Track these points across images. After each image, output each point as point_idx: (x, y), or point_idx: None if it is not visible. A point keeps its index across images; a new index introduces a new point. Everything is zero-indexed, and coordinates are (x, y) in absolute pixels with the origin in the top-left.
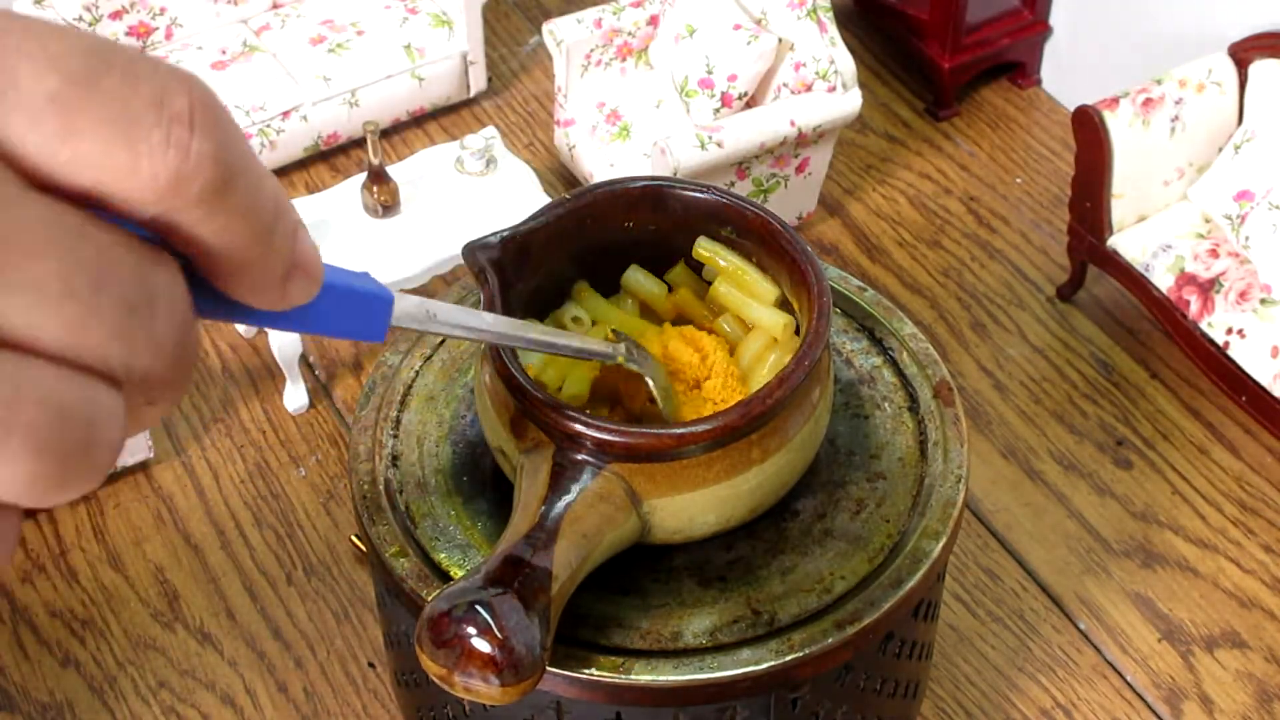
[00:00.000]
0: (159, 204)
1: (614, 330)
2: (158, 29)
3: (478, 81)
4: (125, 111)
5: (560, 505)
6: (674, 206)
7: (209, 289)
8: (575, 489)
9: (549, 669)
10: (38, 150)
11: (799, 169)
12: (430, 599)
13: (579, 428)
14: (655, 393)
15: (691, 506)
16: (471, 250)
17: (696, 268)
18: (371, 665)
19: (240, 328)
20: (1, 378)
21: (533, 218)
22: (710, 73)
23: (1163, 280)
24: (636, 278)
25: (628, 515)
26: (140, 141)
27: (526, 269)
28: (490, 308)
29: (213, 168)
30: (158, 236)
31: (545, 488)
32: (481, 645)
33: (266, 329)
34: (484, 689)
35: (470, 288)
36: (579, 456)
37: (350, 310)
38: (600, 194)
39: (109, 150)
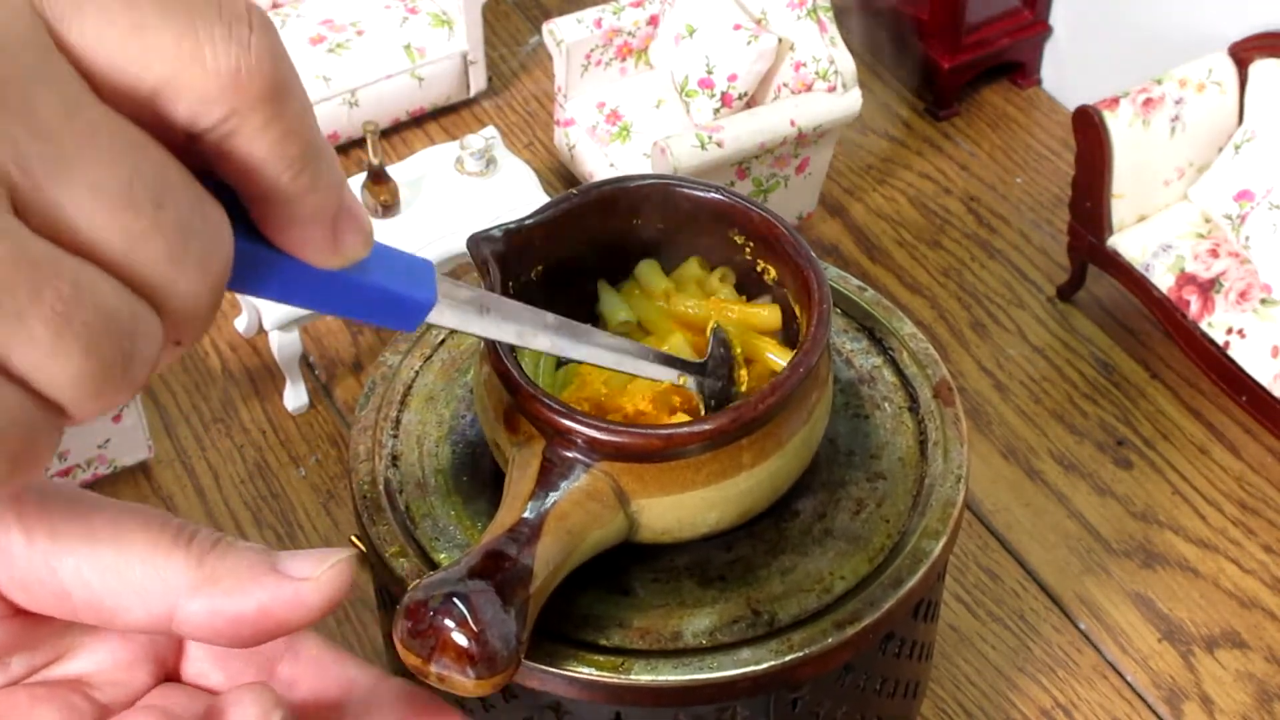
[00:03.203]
0: (223, 100)
1: (714, 328)
2: None
3: (478, 81)
4: (189, 6)
5: (547, 501)
6: (681, 205)
7: (250, 255)
8: (563, 485)
9: (549, 669)
10: (109, 49)
11: (799, 169)
12: (409, 588)
13: (570, 424)
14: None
15: (680, 508)
16: (475, 241)
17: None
18: None
19: (240, 327)
20: (66, 276)
21: (538, 212)
22: (710, 73)
23: (1163, 280)
24: (648, 274)
25: (615, 514)
26: (204, 33)
27: (529, 263)
28: None
29: (272, 66)
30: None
31: (533, 483)
32: (457, 637)
33: (296, 305)
34: (458, 680)
35: (470, 287)
36: (569, 453)
37: (386, 302)
38: (607, 190)
39: (177, 42)
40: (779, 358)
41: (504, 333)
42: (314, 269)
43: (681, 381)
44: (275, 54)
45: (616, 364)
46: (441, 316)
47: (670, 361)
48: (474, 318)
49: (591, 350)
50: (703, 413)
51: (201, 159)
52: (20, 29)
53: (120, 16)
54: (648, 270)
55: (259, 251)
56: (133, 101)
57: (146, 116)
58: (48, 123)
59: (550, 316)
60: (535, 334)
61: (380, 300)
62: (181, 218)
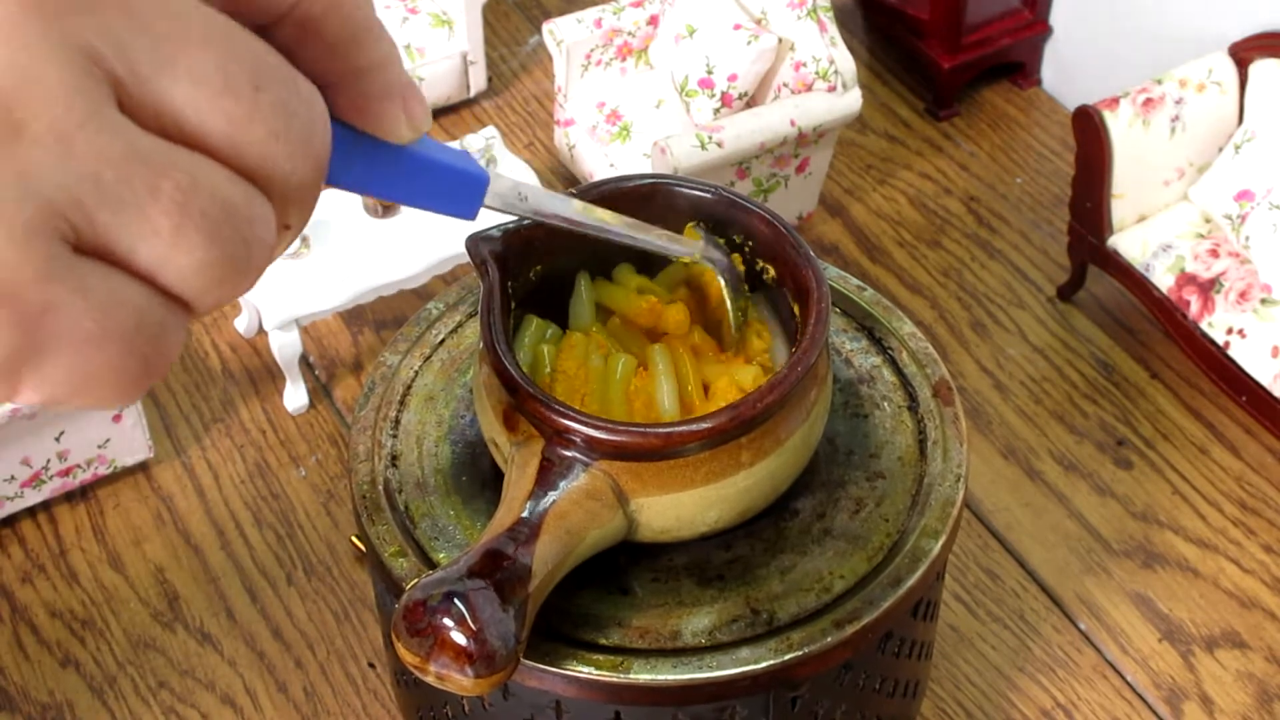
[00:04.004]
0: None
1: (696, 224)
2: None
3: (478, 81)
4: None
5: (546, 500)
6: (680, 205)
7: (335, 141)
8: (562, 485)
9: (548, 668)
10: None
11: (799, 169)
12: (408, 587)
13: (569, 423)
14: (726, 297)
15: (679, 507)
16: (475, 241)
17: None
18: (371, 665)
19: (241, 327)
20: (180, 167)
21: None
22: (710, 73)
23: (1163, 280)
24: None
25: (614, 513)
26: None
27: (529, 262)
28: (489, 299)
29: None
30: None
31: (532, 482)
32: (455, 636)
33: (375, 193)
34: (457, 679)
35: (470, 287)
36: (568, 453)
37: (449, 181)
38: (607, 190)
39: None
40: (746, 374)
41: (542, 212)
42: (390, 149)
43: (697, 258)
44: None
45: (639, 242)
46: (492, 199)
47: (676, 240)
48: (517, 202)
49: (614, 229)
50: (725, 291)
51: (283, 52)
52: None
53: None
54: (623, 273)
55: (343, 135)
56: None
57: (226, 5)
58: (143, 15)
59: (576, 202)
60: (568, 214)
61: (447, 178)
62: (279, 98)
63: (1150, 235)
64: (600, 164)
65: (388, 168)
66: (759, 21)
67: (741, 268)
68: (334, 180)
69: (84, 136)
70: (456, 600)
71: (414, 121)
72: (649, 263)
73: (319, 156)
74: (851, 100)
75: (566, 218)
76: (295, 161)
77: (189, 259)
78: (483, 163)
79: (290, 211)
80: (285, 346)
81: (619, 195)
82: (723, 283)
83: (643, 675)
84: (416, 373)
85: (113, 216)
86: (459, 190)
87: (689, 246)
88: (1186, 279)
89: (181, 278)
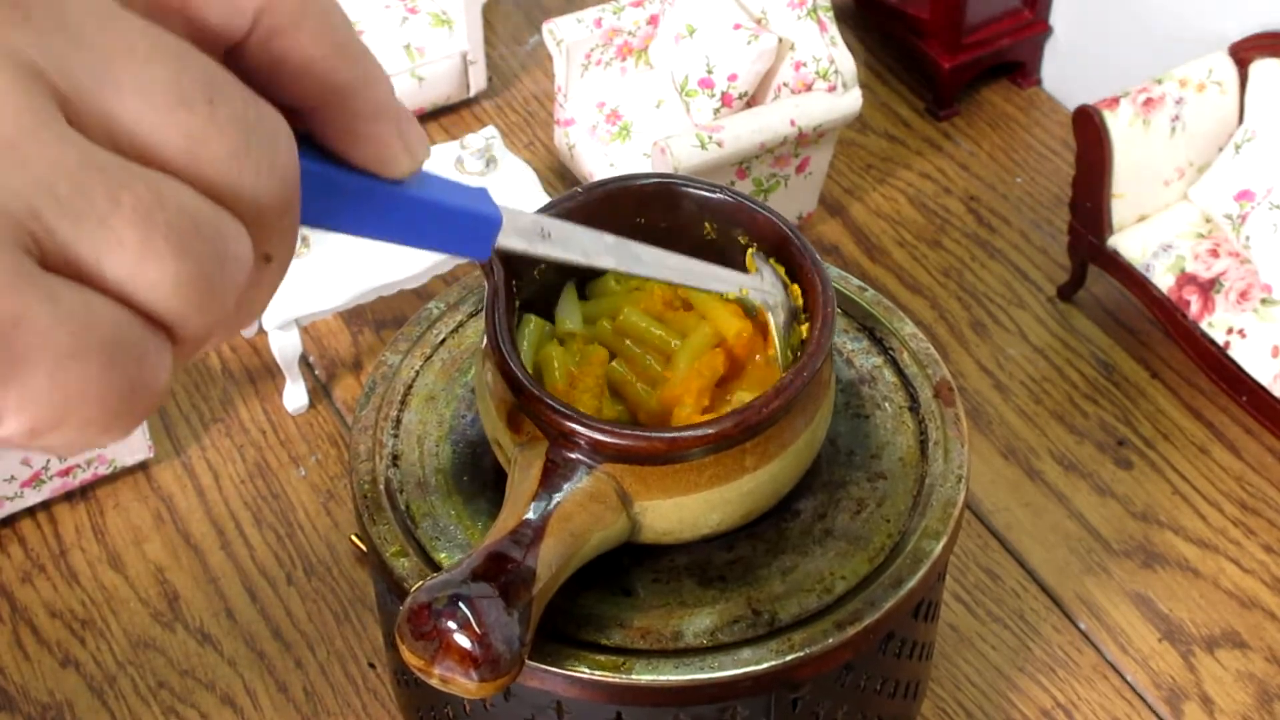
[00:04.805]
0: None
1: (755, 251)
2: None
3: (478, 81)
4: None
5: (550, 503)
6: (686, 205)
7: (320, 179)
8: (567, 487)
9: (550, 668)
10: None
11: (799, 169)
12: (412, 590)
13: (573, 426)
14: (774, 336)
15: (683, 510)
16: None
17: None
18: (371, 665)
19: None
20: (140, 179)
21: (542, 210)
22: (710, 72)
23: (1163, 280)
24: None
25: (618, 516)
26: None
27: (532, 262)
28: (494, 299)
29: None
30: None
31: (536, 484)
32: (460, 640)
33: (370, 234)
34: (462, 683)
35: (471, 287)
36: (572, 455)
37: (457, 223)
38: (612, 189)
39: None
40: (731, 321)
41: (569, 253)
42: (384, 188)
43: (744, 293)
44: None
45: (681, 278)
46: (508, 238)
47: (724, 274)
48: (539, 241)
49: (653, 266)
50: (772, 327)
51: (255, 83)
52: None
53: None
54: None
55: (329, 173)
56: (164, 11)
57: (182, 29)
58: (81, 30)
59: (609, 236)
60: (599, 254)
61: (451, 220)
62: (237, 112)
63: (1150, 235)
64: (600, 164)
65: (384, 208)
66: (759, 21)
67: (799, 301)
68: (323, 222)
69: (34, 146)
70: (461, 604)
71: (412, 149)
72: None
73: (285, 176)
74: (851, 100)
75: (593, 258)
76: (260, 180)
77: (160, 273)
78: (481, 165)
79: (268, 239)
80: (285, 346)
81: (624, 194)
82: (771, 322)
83: (644, 676)
84: (417, 372)
85: (74, 228)
86: (467, 231)
87: (736, 282)
88: (1186, 279)
89: (156, 295)
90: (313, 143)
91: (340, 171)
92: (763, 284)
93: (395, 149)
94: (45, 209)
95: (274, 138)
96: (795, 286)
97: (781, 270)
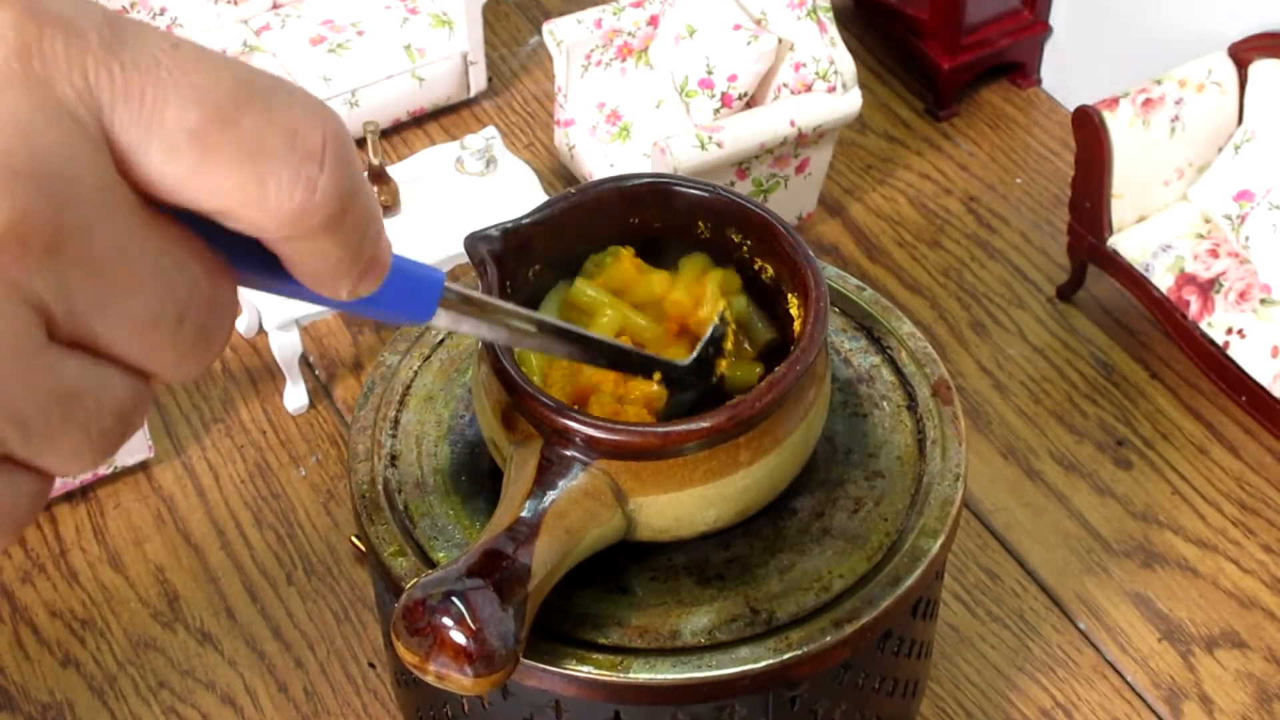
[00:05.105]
0: (281, 230)
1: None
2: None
3: (478, 81)
4: (260, 148)
5: (545, 500)
6: (678, 205)
7: (265, 265)
8: (561, 484)
9: (547, 667)
10: (171, 181)
11: (799, 169)
12: (408, 586)
13: (568, 423)
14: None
15: (678, 506)
16: (473, 241)
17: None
18: (371, 665)
19: (241, 327)
20: (89, 394)
21: (536, 211)
22: (710, 73)
23: (1163, 280)
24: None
25: (613, 512)
26: (270, 178)
27: (527, 262)
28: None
29: (334, 203)
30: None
31: (531, 482)
32: (455, 636)
33: (303, 300)
34: (456, 678)
35: (470, 288)
36: (567, 452)
37: (395, 300)
38: (605, 190)
39: (240, 185)
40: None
41: (495, 335)
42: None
43: (655, 379)
44: (340, 189)
45: (606, 364)
46: (439, 320)
47: (653, 363)
48: (467, 321)
49: (577, 350)
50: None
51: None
52: (87, 165)
53: (188, 157)
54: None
55: (273, 275)
56: (190, 210)
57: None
58: (100, 263)
59: (539, 319)
60: (523, 337)
61: (391, 299)
62: (198, 325)
63: (1150, 235)
64: (600, 164)
65: (318, 300)
66: (759, 22)
67: (722, 369)
68: (263, 289)
69: (10, 373)
70: (456, 600)
71: (357, 294)
72: (658, 263)
73: (211, 360)
74: (851, 100)
75: (518, 341)
76: (190, 369)
77: (64, 459)
78: (481, 165)
79: (174, 380)
80: (285, 346)
81: (617, 195)
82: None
83: (642, 674)
84: (416, 373)
85: (23, 446)
86: (407, 302)
87: (653, 370)
88: (1186, 279)
89: (54, 465)
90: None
91: (285, 281)
92: (680, 369)
93: (342, 295)
94: (11, 436)
95: (222, 338)
96: (730, 344)
97: (731, 331)
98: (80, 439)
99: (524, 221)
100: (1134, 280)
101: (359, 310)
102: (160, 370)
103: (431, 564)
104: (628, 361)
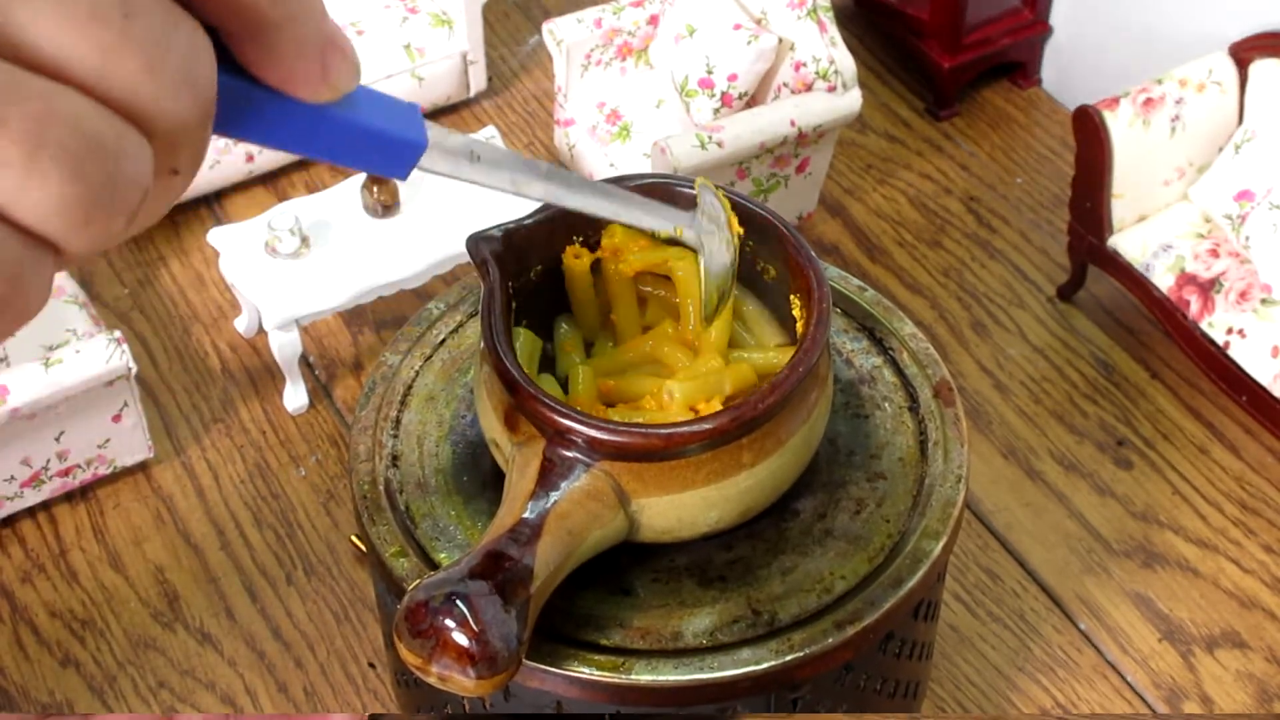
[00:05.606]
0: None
1: (703, 184)
2: None
3: (478, 81)
4: None
5: (548, 501)
6: (679, 205)
7: (236, 92)
8: (564, 485)
9: (549, 668)
10: None
11: (799, 169)
12: (410, 588)
13: (570, 424)
14: (700, 279)
15: (680, 507)
16: (475, 241)
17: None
18: (371, 665)
19: (241, 327)
20: (34, 94)
21: (537, 211)
22: (710, 73)
23: (1163, 280)
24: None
25: (615, 514)
26: None
27: (529, 262)
28: (490, 299)
29: None
30: None
31: (533, 483)
32: (458, 637)
33: (284, 148)
34: (459, 680)
35: (470, 287)
36: (569, 453)
37: (378, 145)
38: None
39: None
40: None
41: (498, 180)
42: (302, 106)
43: (678, 233)
44: None
45: (612, 214)
46: (434, 162)
47: (659, 211)
48: (465, 164)
49: (585, 199)
50: (701, 271)
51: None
52: None
53: None
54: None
55: (246, 88)
56: None
57: None
58: None
59: (544, 165)
60: (529, 182)
61: (371, 142)
62: (153, 27)
63: (1150, 235)
64: (600, 164)
65: (300, 125)
66: (759, 21)
67: (736, 242)
68: (238, 133)
69: None
70: (458, 601)
71: (332, 82)
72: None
73: (199, 94)
74: (851, 100)
75: (522, 187)
76: (171, 98)
77: (45, 193)
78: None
79: (176, 155)
80: (285, 346)
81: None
82: (701, 264)
83: (644, 676)
84: (417, 373)
85: None
86: (389, 154)
87: (671, 221)
88: (1186, 279)
89: (40, 215)
90: (230, 54)
91: (257, 88)
92: (698, 221)
93: (314, 81)
94: None
95: (191, 55)
96: (734, 216)
97: (727, 205)
98: (30, 146)
99: (526, 222)
100: (1134, 280)
101: (349, 154)
102: (133, 91)
103: (433, 565)
104: (636, 210)
